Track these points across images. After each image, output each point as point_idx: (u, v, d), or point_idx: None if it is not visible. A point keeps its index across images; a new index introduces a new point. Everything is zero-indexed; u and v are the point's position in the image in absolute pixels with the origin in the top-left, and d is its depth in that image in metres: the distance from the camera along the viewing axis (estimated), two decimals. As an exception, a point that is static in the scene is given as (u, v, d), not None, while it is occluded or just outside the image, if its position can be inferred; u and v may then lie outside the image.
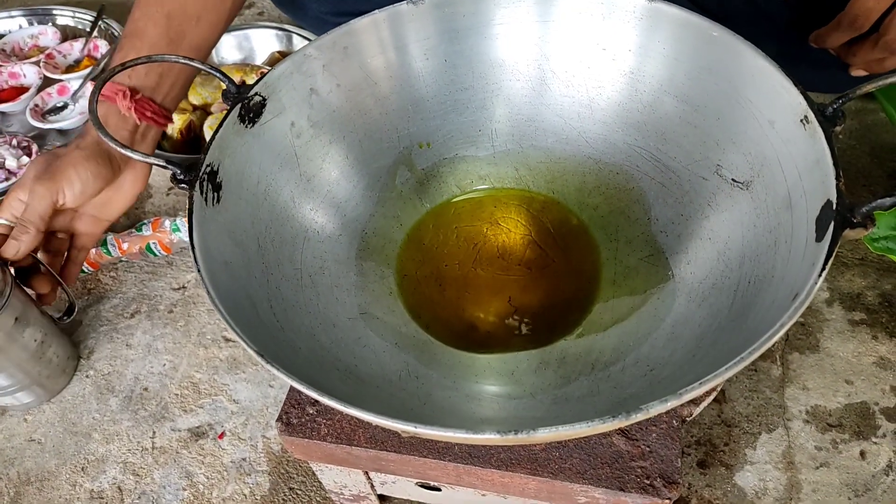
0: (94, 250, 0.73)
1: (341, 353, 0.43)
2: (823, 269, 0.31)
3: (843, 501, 0.55)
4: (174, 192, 0.84)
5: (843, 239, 0.32)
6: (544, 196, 0.55)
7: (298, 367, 0.37)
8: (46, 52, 0.96)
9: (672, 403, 0.29)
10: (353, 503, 0.56)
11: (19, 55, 1.00)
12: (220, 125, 0.44)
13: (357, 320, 0.47)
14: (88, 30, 1.00)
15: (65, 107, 0.90)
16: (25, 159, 0.81)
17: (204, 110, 0.83)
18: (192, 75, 0.60)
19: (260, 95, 0.46)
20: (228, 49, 0.95)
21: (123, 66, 0.46)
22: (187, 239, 0.39)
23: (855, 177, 0.76)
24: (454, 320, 0.49)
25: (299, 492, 0.58)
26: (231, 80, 0.45)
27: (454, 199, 0.56)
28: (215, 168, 0.42)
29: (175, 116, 0.80)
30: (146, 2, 0.56)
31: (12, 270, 0.59)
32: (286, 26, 0.94)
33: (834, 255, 0.32)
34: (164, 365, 0.68)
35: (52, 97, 0.91)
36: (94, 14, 1.01)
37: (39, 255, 0.58)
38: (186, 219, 0.39)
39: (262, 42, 0.95)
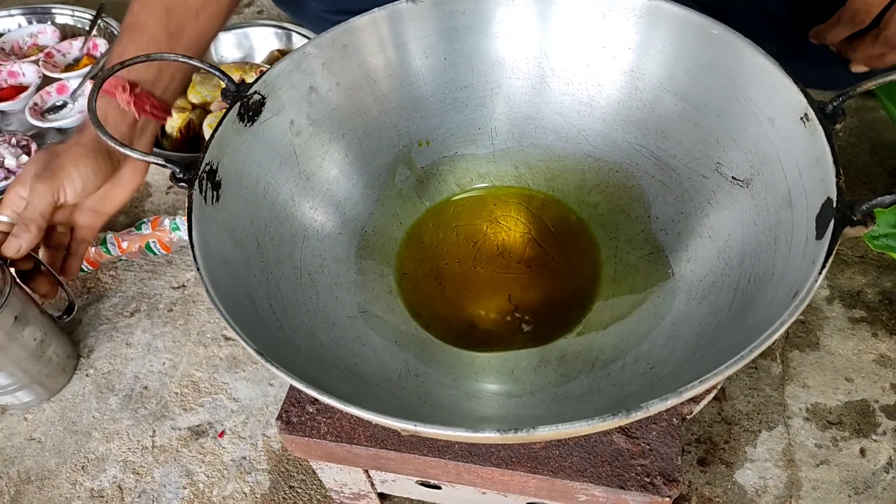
0: (93, 249, 0.73)
1: (341, 352, 0.43)
2: (824, 267, 0.31)
3: (844, 499, 0.55)
4: (173, 190, 0.84)
5: (843, 237, 0.32)
6: (544, 194, 0.55)
7: (298, 365, 0.37)
8: (45, 50, 0.96)
9: (672, 401, 0.29)
10: (354, 501, 0.56)
11: (18, 54, 1.00)
12: (220, 124, 0.44)
13: (357, 319, 0.47)
14: (88, 28, 1.00)
15: (64, 105, 0.90)
16: (25, 158, 0.81)
17: (203, 109, 0.83)
18: (191, 69, 0.60)
19: (259, 94, 0.46)
20: (228, 47, 0.95)
21: (122, 65, 0.46)
22: (187, 237, 0.39)
23: (855, 174, 0.76)
24: (454, 319, 0.49)
25: (299, 490, 0.59)
26: (230, 79, 0.45)
27: (454, 198, 0.56)
28: (214, 167, 0.42)
29: (174, 115, 0.80)
30: None
31: (12, 270, 0.59)
32: (286, 24, 0.93)
33: (834, 253, 0.32)
34: (164, 363, 0.68)
35: (52, 96, 0.91)
36: (94, 13, 1.01)
37: (40, 250, 0.58)
38: (186, 217, 0.39)
39: (262, 40, 0.94)
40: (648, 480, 0.41)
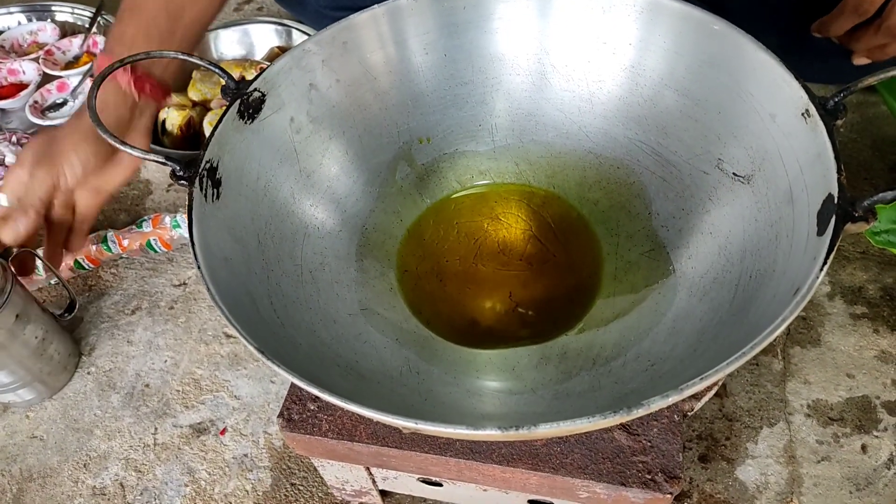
0: (94, 247, 0.73)
1: (342, 350, 0.43)
2: (825, 263, 0.31)
3: (845, 495, 0.55)
4: (174, 188, 0.84)
5: (844, 233, 0.32)
6: (545, 191, 0.55)
7: (299, 363, 0.37)
8: (45, 48, 0.96)
9: (673, 398, 0.29)
10: (355, 499, 0.56)
11: (18, 52, 1.00)
12: (220, 121, 0.44)
13: (357, 316, 0.47)
14: (87, 26, 1.00)
15: (64, 103, 0.90)
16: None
17: (203, 106, 0.83)
18: (192, 51, 0.60)
19: (259, 91, 0.46)
20: (228, 44, 0.95)
21: (122, 62, 0.46)
22: (187, 235, 0.39)
23: (856, 170, 0.76)
24: (455, 316, 0.49)
25: (301, 487, 0.59)
26: (230, 76, 0.45)
27: (454, 195, 0.55)
28: (215, 164, 0.42)
29: (174, 113, 0.80)
30: None
31: (13, 268, 0.59)
32: (285, 21, 0.93)
33: (835, 249, 0.32)
34: (166, 361, 0.68)
35: (52, 94, 0.91)
36: (93, 10, 1.01)
37: (45, 227, 0.58)
38: (186, 215, 0.39)
39: (262, 37, 0.94)
40: (650, 477, 0.41)
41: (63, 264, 0.72)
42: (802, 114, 0.38)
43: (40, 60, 0.93)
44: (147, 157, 0.42)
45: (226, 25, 0.94)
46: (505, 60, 0.53)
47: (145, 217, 0.75)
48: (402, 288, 0.50)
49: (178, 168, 0.41)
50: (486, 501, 0.52)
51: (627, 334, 0.45)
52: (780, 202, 0.39)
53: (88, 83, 0.89)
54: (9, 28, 1.03)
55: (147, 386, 0.66)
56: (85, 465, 0.61)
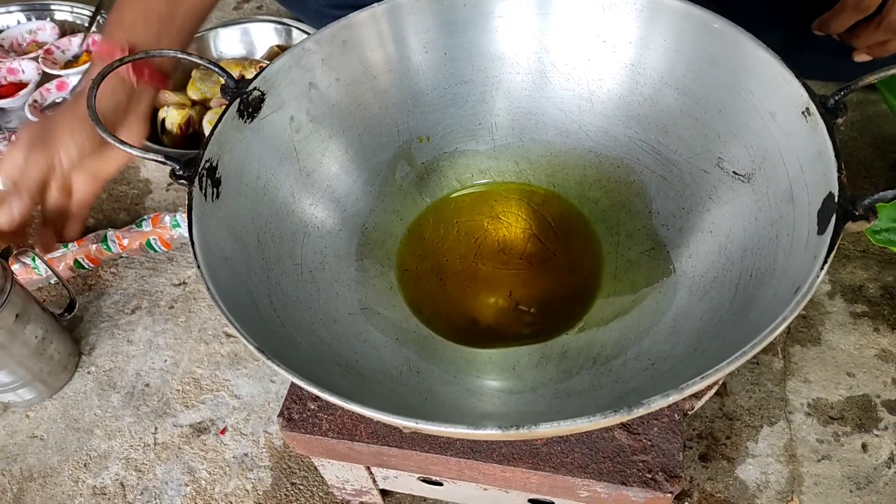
0: (94, 246, 0.73)
1: (342, 349, 0.43)
2: (825, 262, 0.31)
3: (845, 494, 0.55)
4: (174, 187, 0.83)
5: (844, 232, 0.32)
6: (545, 190, 0.55)
7: (299, 362, 0.37)
8: (45, 47, 0.96)
9: (674, 398, 0.29)
10: (356, 498, 0.56)
11: (17, 51, 1.00)
12: (219, 120, 0.43)
13: (358, 315, 0.47)
14: (87, 25, 1.00)
15: (63, 102, 0.89)
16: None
17: (203, 105, 0.83)
18: (191, 39, 0.59)
19: (259, 90, 0.46)
20: (227, 43, 0.94)
21: (122, 62, 0.46)
22: (187, 234, 0.38)
23: (856, 168, 0.76)
24: (455, 315, 0.49)
25: (301, 487, 0.59)
26: (229, 75, 0.45)
27: (454, 194, 0.55)
28: (214, 164, 0.42)
29: (174, 112, 0.80)
30: None
31: (14, 267, 0.59)
32: (285, 20, 0.93)
33: (836, 248, 0.32)
34: (166, 361, 0.68)
35: (51, 93, 0.90)
36: (93, 9, 1.01)
37: (41, 211, 0.57)
38: (186, 215, 0.39)
39: (261, 36, 0.94)
40: (650, 476, 0.41)
41: (63, 264, 0.72)
42: (803, 112, 0.38)
43: (40, 59, 0.93)
44: (146, 156, 0.42)
45: (225, 24, 0.94)
46: (505, 59, 0.53)
47: (145, 216, 0.75)
48: (402, 287, 0.50)
49: (177, 167, 0.41)
50: (486, 501, 0.52)
51: (628, 333, 0.45)
52: (780, 201, 0.39)
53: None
54: (8, 27, 1.03)
55: (147, 385, 0.66)
56: (85, 465, 0.61)
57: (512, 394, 0.44)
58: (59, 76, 0.92)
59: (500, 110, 0.54)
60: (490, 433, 0.29)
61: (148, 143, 0.77)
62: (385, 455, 0.45)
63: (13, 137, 0.83)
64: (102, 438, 0.63)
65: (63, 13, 1.04)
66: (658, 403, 0.29)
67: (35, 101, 0.88)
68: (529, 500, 0.49)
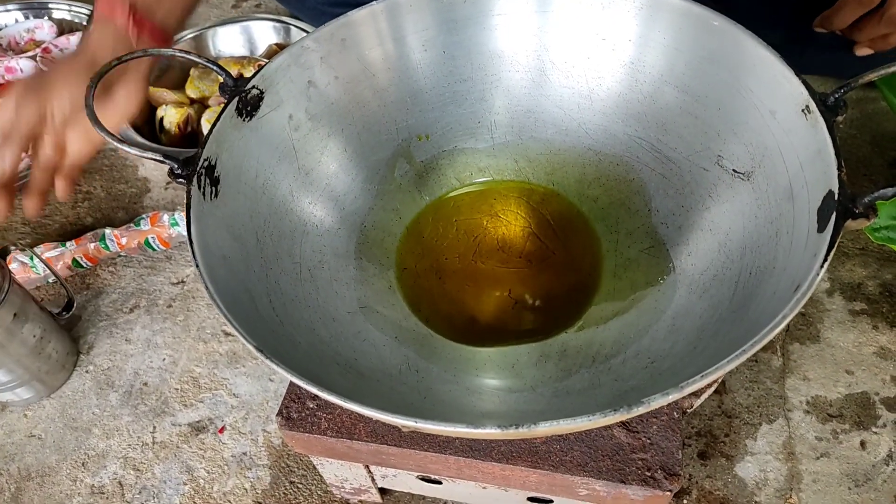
0: (92, 245, 0.72)
1: (341, 348, 0.43)
2: (825, 260, 0.31)
3: (844, 491, 0.55)
4: (172, 186, 0.83)
5: (844, 230, 0.32)
6: (544, 188, 0.54)
7: (298, 361, 0.37)
8: (43, 46, 0.95)
9: (673, 396, 0.29)
10: (354, 496, 0.56)
11: (15, 49, 1.00)
12: (218, 119, 0.43)
13: (357, 314, 0.47)
14: (85, 23, 1.00)
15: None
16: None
17: (201, 104, 0.83)
18: (194, 1, 0.58)
19: (257, 88, 0.46)
20: (225, 41, 0.94)
21: (120, 60, 0.45)
22: (185, 233, 0.38)
23: (855, 166, 0.76)
24: (454, 314, 0.49)
25: (300, 486, 0.59)
26: (228, 74, 0.45)
27: (453, 192, 0.55)
28: (213, 162, 0.42)
29: (172, 110, 0.79)
30: None
31: (12, 266, 0.59)
32: (284, 18, 0.93)
33: (836, 246, 0.32)
34: (164, 359, 0.68)
35: (49, 91, 0.90)
36: (91, 8, 1.01)
37: (31, 169, 0.55)
38: (184, 213, 0.39)
39: (260, 34, 0.94)
40: (649, 474, 0.41)
41: (61, 263, 0.72)
42: (802, 110, 0.38)
43: (38, 58, 0.93)
44: (145, 154, 0.42)
45: (224, 22, 0.93)
46: (504, 57, 0.53)
47: (143, 215, 0.75)
48: (401, 286, 0.50)
49: (176, 166, 0.41)
50: (485, 499, 0.52)
51: (627, 332, 0.44)
52: (780, 199, 0.39)
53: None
54: (6, 26, 1.03)
55: (145, 384, 0.66)
56: (83, 464, 0.61)
57: (511, 392, 0.44)
58: (57, 74, 0.91)
59: (500, 108, 0.54)
60: (489, 432, 0.29)
61: (146, 142, 0.77)
62: (384, 454, 0.45)
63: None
64: (101, 437, 0.63)
65: (61, 12, 1.04)
66: (658, 402, 0.29)
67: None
68: (528, 499, 0.49)
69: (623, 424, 0.43)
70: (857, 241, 0.70)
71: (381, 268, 0.51)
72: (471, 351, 0.47)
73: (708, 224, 0.45)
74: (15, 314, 0.58)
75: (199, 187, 0.40)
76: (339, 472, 0.52)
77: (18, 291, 0.59)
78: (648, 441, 0.42)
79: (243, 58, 0.87)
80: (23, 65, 0.93)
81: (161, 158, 0.41)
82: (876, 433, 0.58)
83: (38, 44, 0.98)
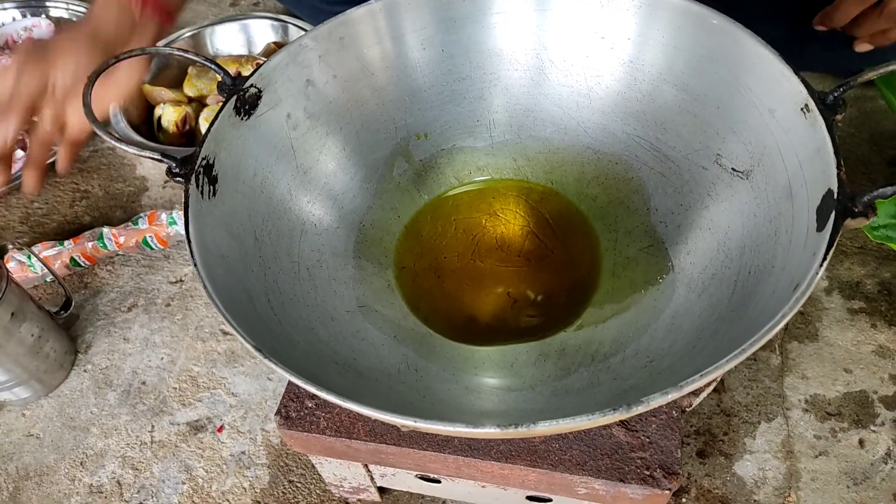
0: (90, 244, 0.72)
1: (340, 347, 0.43)
2: (825, 259, 0.31)
3: (842, 490, 0.55)
4: (170, 185, 0.83)
5: (843, 228, 0.32)
6: (543, 187, 0.54)
7: (296, 361, 0.37)
8: (40, 44, 0.95)
9: (673, 396, 0.29)
10: (353, 495, 0.56)
11: (13, 48, 0.99)
12: (216, 118, 0.43)
13: (355, 313, 0.47)
14: (82, 21, 0.99)
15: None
16: (20, 153, 0.81)
17: (199, 102, 0.83)
18: None
19: (255, 87, 0.46)
20: (224, 40, 0.94)
21: (118, 59, 0.45)
22: (183, 232, 0.38)
23: (854, 164, 0.76)
24: (453, 312, 0.49)
25: (299, 485, 0.58)
26: (226, 72, 0.45)
27: (452, 191, 0.55)
28: (211, 161, 0.42)
29: (170, 109, 0.79)
30: None
31: (9, 265, 0.59)
32: (282, 17, 0.93)
33: (835, 245, 0.32)
34: (162, 359, 0.67)
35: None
36: (88, 6, 1.01)
37: (29, 143, 0.54)
38: (182, 213, 0.39)
39: (258, 32, 0.94)
40: (648, 473, 0.41)
41: (58, 262, 0.72)
42: (802, 109, 0.38)
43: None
44: (143, 153, 0.42)
45: (222, 20, 0.93)
46: (503, 56, 0.52)
47: (141, 214, 0.75)
48: (399, 285, 0.50)
49: (174, 165, 0.40)
50: (484, 498, 0.52)
51: (626, 330, 0.44)
52: (779, 198, 0.39)
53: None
54: (3, 24, 1.03)
55: (144, 383, 0.66)
56: (82, 463, 0.61)
57: (510, 391, 0.44)
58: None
59: (498, 107, 0.54)
60: (489, 432, 0.29)
61: (144, 141, 0.77)
62: (383, 453, 0.44)
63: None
64: (99, 437, 0.63)
65: (58, 10, 1.04)
66: (657, 401, 0.29)
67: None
68: (527, 497, 0.49)
69: (622, 423, 0.43)
70: (855, 240, 0.70)
71: (379, 267, 0.51)
72: (469, 350, 0.47)
73: (707, 223, 0.45)
74: (13, 313, 0.58)
75: (198, 186, 0.40)
76: (337, 471, 0.52)
77: (16, 290, 0.59)
78: (647, 440, 0.42)
79: (241, 56, 0.87)
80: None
81: (159, 157, 0.41)
82: (874, 431, 0.58)
83: (35, 42, 0.98)
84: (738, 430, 0.58)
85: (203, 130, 0.69)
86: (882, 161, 0.76)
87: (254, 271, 0.42)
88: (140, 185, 0.83)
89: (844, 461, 0.56)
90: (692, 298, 0.43)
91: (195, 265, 0.36)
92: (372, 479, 0.53)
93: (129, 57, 0.46)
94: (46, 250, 0.72)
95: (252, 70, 0.46)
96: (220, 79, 0.45)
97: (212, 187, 0.42)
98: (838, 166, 0.34)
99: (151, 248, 0.75)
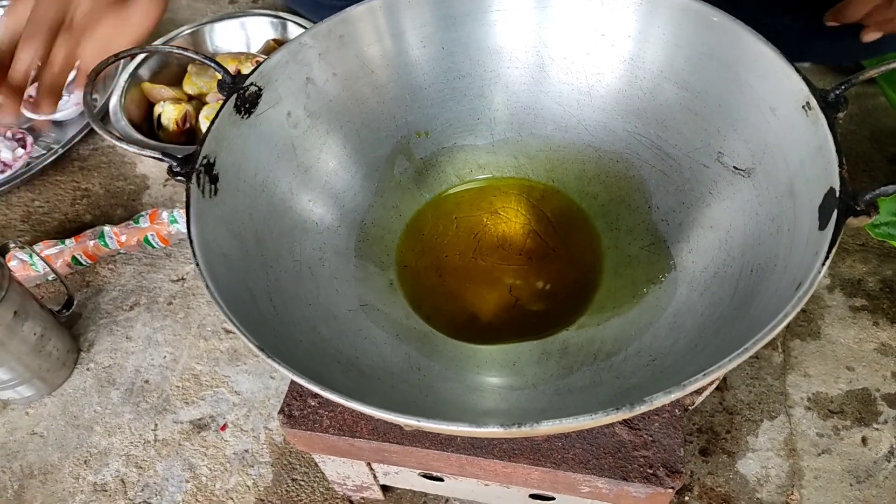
0: (91, 243, 0.72)
1: (342, 346, 0.43)
2: (827, 257, 0.31)
3: (845, 488, 0.55)
4: (171, 183, 0.83)
5: (846, 226, 0.32)
6: (544, 185, 0.54)
7: (299, 360, 0.37)
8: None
9: (676, 395, 0.29)
10: (356, 493, 0.56)
11: None
12: (216, 116, 0.43)
13: (357, 312, 0.47)
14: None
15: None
16: (20, 151, 0.81)
17: (199, 100, 0.83)
18: None
19: (255, 85, 0.46)
20: (223, 37, 0.94)
21: (117, 57, 0.45)
22: (185, 231, 0.38)
23: (855, 162, 0.75)
24: (455, 311, 0.49)
25: (302, 483, 0.59)
26: (226, 70, 0.45)
27: (453, 189, 0.55)
28: (212, 160, 0.42)
29: (170, 107, 0.79)
30: None
31: (11, 263, 0.59)
32: (281, 14, 0.93)
33: (837, 243, 0.32)
34: (165, 357, 0.68)
35: (47, 88, 0.90)
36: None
37: (43, 72, 0.54)
38: (184, 212, 0.39)
39: (258, 30, 0.94)
40: (651, 472, 0.41)
41: (60, 260, 0.72)
42: (803, 106, 0.38)
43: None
44: (143, 152, 0.42)
45: (221, 18, 0.93)
46: (503, 53, 0.52)
47: (142, 212, 0.75)
48: (401, 283, 0.50)
49: (175, 164, 0.40)
50: (487, 496, 0.52)
51: (628, 329, 0.44)
52: (780, 196, 0.39)
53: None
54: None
55: (147, 382, 0.66)
56: (85, 462, 0.61)
57: (513, 390, 0.44)
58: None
59: (499, 105, 0.54)
60: (492, 431, 0.29)
61: (144, 139, 0.77)
62: (386, 451, 0.45)
63: (8, 133, 0.82)
64: (102, 435, 0.63)
65: None
66: (660, 400, 0.29)
67: (30, 96, 0.87)
68: (530, 496, 0.49)
69: (625, 422, 0.43)
70: (857, 237, 0.70)
71: (381, 265, 0.51)
72: (472, 349, 0.47)
73: (708, 221, 0.45)
74: (15, 312, 0.58)
75: (199, 185, 0.40)
76: (341, 469, 0.52)
77: (18, 289, 0.59)
78: (650, 438, 0.42)
79: (241, 54, 0.86)
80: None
81: (160, 156, 0.41)
82: (877, 429, 0.58)
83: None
84: (740, 429, 0.58)
85: (203, 128, 0.70)
86: (883, 158, 0.76)
87: (256, 270, 0.42)
88: (141, 183, 0.83)
89: (847, 459, 0.56)
90: (694, 297, 0.43)
91: (197, 264, 0.36)
92: (375, 477, 0.53)
93: (127, 55, 0.46)
94: (48, 249, 0.72)
95: (252, 68, 0.46)
96: (219, 76, 0.45)
97: (213, 186, 0.42)
98: (840, 164, 0.34)
99: (153, 247, 0.75)
